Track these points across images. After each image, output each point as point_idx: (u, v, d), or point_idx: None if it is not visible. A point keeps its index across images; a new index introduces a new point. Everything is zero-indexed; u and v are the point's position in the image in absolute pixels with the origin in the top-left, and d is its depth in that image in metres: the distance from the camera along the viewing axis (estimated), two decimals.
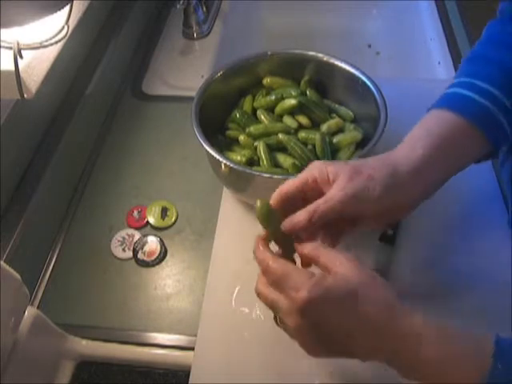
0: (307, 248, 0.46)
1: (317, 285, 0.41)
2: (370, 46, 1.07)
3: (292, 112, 0.75)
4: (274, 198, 0.48)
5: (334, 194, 0.47)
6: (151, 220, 0.77)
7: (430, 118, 0.53)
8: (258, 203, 0.47)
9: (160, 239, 0.74)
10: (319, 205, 0.47)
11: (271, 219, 0.48)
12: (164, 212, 0.78)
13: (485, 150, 0.53)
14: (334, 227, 0.51)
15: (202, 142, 0.66)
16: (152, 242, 0.74)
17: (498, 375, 0.37)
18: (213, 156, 0.65)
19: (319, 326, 0.41)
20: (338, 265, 0.42)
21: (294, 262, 0.48)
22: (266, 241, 0.48)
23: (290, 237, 0.48)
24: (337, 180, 0.47)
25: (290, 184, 0.49)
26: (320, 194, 0.48)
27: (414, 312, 0.41)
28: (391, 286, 0.43)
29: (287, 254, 0.49)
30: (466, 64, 0.57)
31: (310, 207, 0.47)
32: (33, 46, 0.56)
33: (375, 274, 0.42)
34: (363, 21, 1.14)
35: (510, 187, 0.67)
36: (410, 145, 0.51)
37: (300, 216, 0.47)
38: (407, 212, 0.52)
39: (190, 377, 0.60)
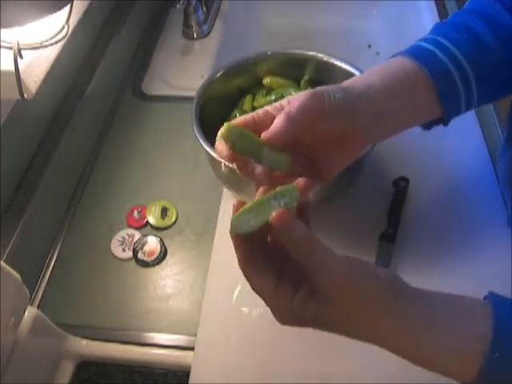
0: (299, 233, 0.37)
1: (292, 315, 0.39)
2: (370, 46, 1.07)
3: None
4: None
5: (296, 97, 0.43)
6: (151, 220, 0.77)
7: (385, 62, 0.52)
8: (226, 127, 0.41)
9: (160, 239, 0.74)
10: (287, 109, 0.42)
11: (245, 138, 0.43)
12: (164, 212, 0.78)
13: (435, 106, 0.51)
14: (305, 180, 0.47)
15: (201, 142, 0.66)
16: (152, 242, 0.74)
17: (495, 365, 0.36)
18: (213, 156, 0.65)
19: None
20: (326, 279, 0.37)
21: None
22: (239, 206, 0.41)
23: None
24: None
25: (241, 118, 0.45)
26: None
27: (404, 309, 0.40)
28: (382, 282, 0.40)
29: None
30: (437, 25, 0.56)
31: (282, 112, 0.43)
32: (33, 46, 0.56)
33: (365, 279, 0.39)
34: (363, 21, 1.14)
35: (506, 185, 0.67)
36: (362, 76, 0.51)
37: (275, 123, 0.42)
38: (362, 143, 0.49)
39: (190, 377, 0.60)
